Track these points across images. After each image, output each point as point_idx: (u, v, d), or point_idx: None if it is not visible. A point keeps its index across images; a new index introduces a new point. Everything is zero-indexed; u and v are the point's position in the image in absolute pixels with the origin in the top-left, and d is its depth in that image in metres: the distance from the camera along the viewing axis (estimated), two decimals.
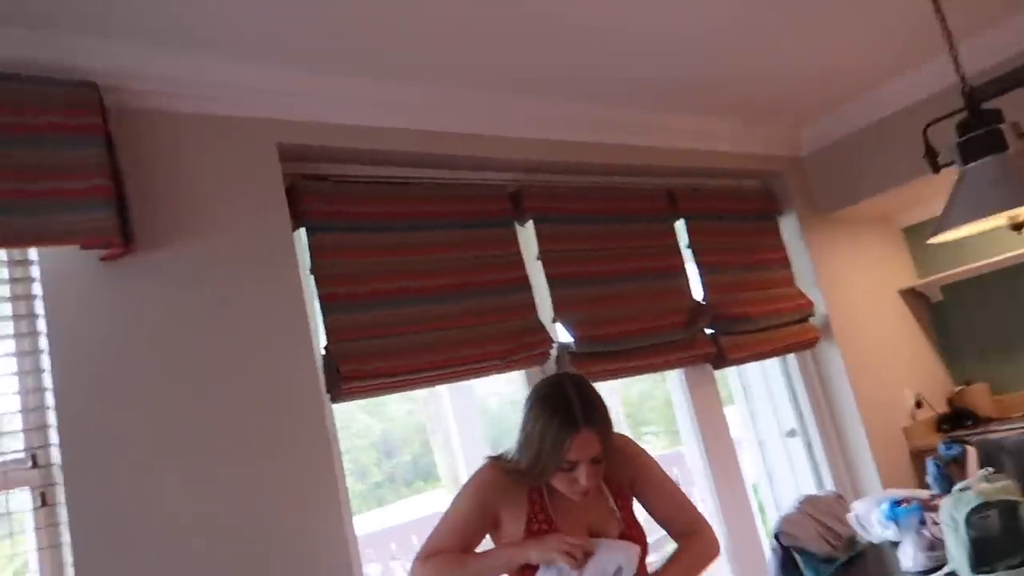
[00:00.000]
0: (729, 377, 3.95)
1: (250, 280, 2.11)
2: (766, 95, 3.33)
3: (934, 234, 2.28)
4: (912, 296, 4.31)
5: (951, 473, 3.04)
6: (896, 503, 2.45)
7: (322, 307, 2.28)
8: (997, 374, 4.12)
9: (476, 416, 5.57)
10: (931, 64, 3.34)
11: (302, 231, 2.34)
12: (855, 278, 4.00)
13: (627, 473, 1.79)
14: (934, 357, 4.28)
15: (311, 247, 2.33)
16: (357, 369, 2.22)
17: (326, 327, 2.27)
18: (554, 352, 2.77)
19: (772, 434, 3.90)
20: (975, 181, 2.19)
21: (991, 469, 2.01)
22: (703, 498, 3.25)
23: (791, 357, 3.76)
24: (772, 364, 3.81)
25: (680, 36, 2.61)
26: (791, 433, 3.83)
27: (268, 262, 2.16)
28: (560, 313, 2.82)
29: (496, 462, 1.72)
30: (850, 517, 2.68)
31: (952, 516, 1.97)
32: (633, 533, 1.73)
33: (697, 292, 3.34)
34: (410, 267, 2.49)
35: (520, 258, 2.80)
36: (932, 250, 4.29)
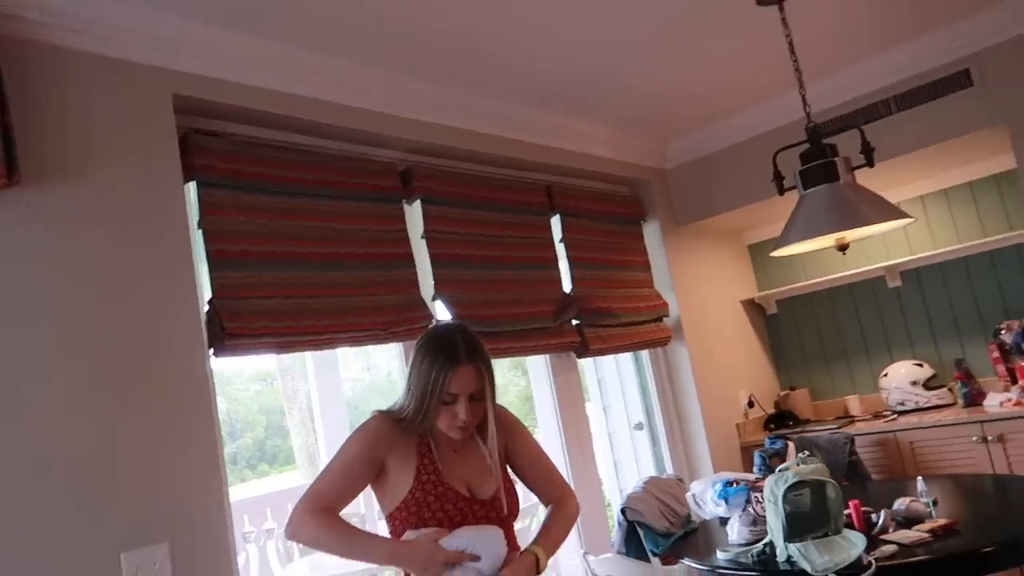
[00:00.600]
0: (585, 372, 4.23)
1: (136, 226, 2.09)
2: (640, 106, 3.60)
3: (775, 248, 2.60)
4: (751, 306, 4.78)
5: (773, 465, 3.44)
6: (727, 484, 2.76)
7: (209, 262, 2.29)
8: (817, 382, 4.65)
9: (339, 397, 5.58)
10: (784, 98, 3.75)
11: (192, 184, 2.33)
12: (705, 285, 4.39)
13: (503, 440, 1.90)
14: (766, 363, 4.76)
15: (201, 201, 2.33)
16: (242, 326, 2.24)
17: (212, 282, 2.27)
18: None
19: (622, 427, 4.20)
20: (811, 205, 2.52)
21: (807, 452, 2.32)
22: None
23: (644, 354, 4.08)
24: (624, 361, 4.12)
25: (572, 39, 2.79)
26: (638, 426, 4.16)
27: (156, 211, 2.14)
28: (440, 292, 2.94)
29: (384, 414, 1.81)
30: (688, 496, 2.99)
31: (772, 492, 2.27)
32: (509, 491, 1.86)
33: (566, 284, 3.57)
34: (300, 232, 2.53)
35: (406, 235, 2.90)
36: (772, 266, 4.79)
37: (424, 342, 1.80)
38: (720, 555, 2.27)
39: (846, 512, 2.25)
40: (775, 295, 4.72)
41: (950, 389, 3.94)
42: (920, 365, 4.07)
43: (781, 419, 4.42)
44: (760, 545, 2.24)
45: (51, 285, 1.90)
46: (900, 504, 2.30)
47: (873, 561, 1.95)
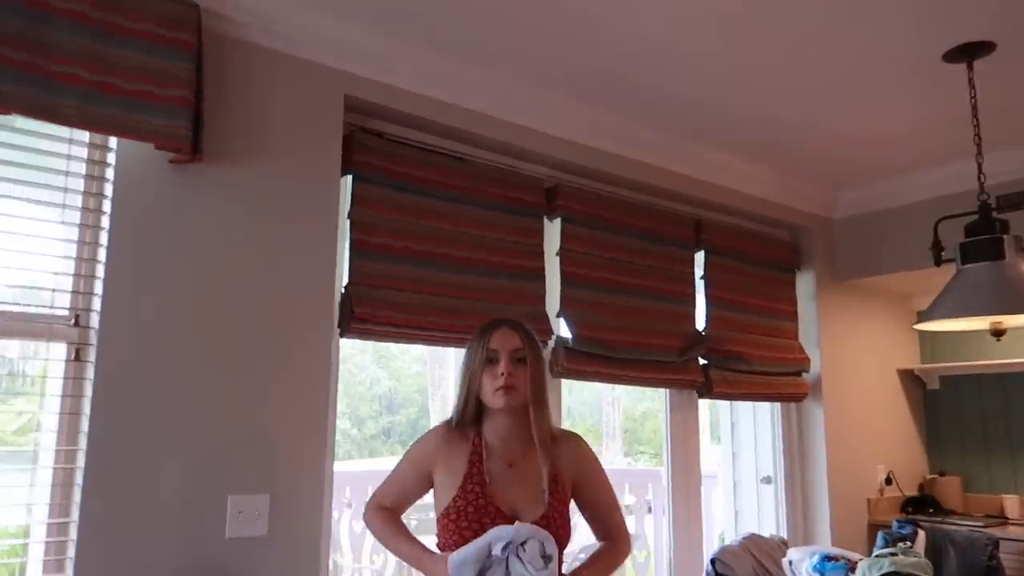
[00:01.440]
0: (721, 416, 4.11)
1: (294, 210, 2.33)
2: (809, 150, 3.45)
3: (920, 321, 2.43)
4: (910, 378, 4.42)
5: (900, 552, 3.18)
6: (827, 558, 2.60)
7: (351, 251, 2.50)
8: (972, 472, 4.22)
9: None
10: (965, 163, 3.44)
11: (349, 178, 2.55)
12: (857, 347, 4.12)
13: (572, 465, 1.89)
14: (917, 441, 4.39)
15: (354, 194, 2.54)
16: (370, 313, 2.43)
17: (351, 269, 2.48)
18: (551, 343, 2.96)
19: (749, 477, 4.04)
20: (968, 282, 2.33)
21: (909, 544, 2.15)
22: (663, 511, 3.42)
23: (778, 406, 3.90)
24: (763, 411, 3.95)
25: (735, 70, 2.72)
26: (767, 480, 3.97)
27: (313, 199, 2.37)
28: (565, 309, 3.00)
29: (443, 422, 1.87)
30: (784, 561, 2.84)
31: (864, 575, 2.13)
32: (557, 521, 1.76)
33: (700, 323, 3.50)
34: (439, 234, 2.69)
35: (541, 250, 2.98)
36: (940, 339, 4.40)
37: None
38: None
39: None
40: (939, 370, 4.34)
41: None
42: None
43: (922, 504, 4.06)
44: None
45: (213, 249, 2.16)
46: None
47: None
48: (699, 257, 3.58)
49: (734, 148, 3.46)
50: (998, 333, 2.36)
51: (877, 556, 2.13)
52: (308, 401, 2.27)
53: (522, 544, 1.62)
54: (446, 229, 2.71)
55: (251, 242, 2.24)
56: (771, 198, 3.79)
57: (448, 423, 1.86)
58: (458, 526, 1.72)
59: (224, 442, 2.10)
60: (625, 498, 5.77)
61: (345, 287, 2.47)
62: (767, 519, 3.91)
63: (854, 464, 3.94)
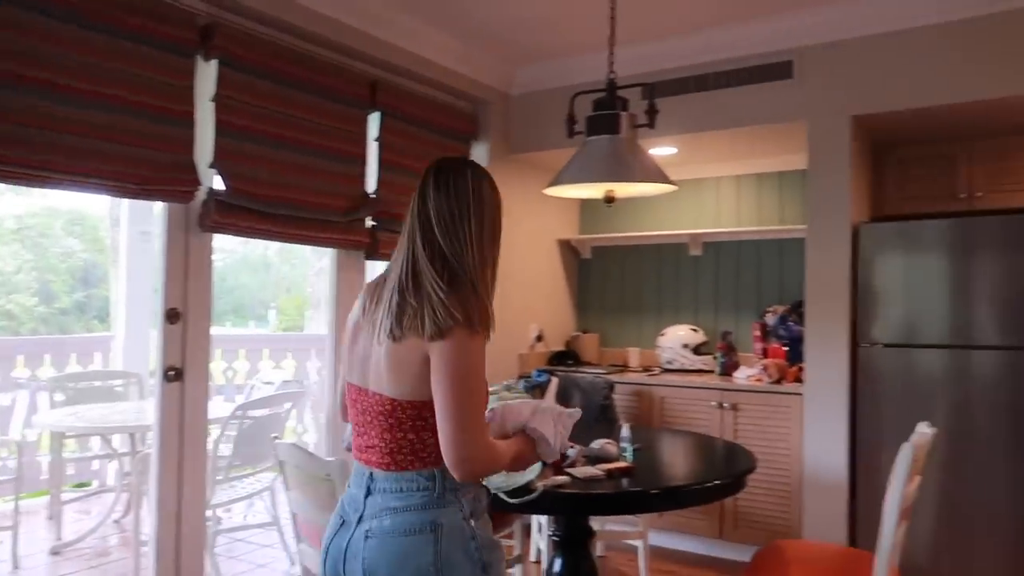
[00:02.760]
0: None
1: None
2: (492, 24, 3.54)
3: (548, 186, 2.66)
4: (568, 248, 4.92)
5: (534, 396, 3.60)
6: None
7: None
8: (608, 330, 4.89)
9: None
10: (629, 47, 3.77)
11: None
12: (524, 218, 4.46)
13: None
14: (568, 304, 4.94)
15: None
16: None
17: None
18: (201, 195, 2.78)
19: None
20: (589, 152, 2.58)
21: (517, 382, 2.44)
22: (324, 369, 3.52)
23: None
24: None
25: None
26: None
27: None
28: (220, 161, 2.82)
29: None
30: None
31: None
32: None
33: (372, 184, 3.52)
34: (67, 62, 2.33)
35: (191, 93, 2.74)
36: (597, 213, 4.93)
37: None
38: None
39: None
40: (592, 241, 4.88)
41: (715, 357, 4.24)
42: (696, 330, 4.35)
43: (565, 357, 4.63)
44: None
45: None
46: (596, 444, 2.47)
47: (540, 487, 2.09)
48: (374, 118, 3.55)
49: (419, 13, 3.41)
50: (609, 200, 2.66)
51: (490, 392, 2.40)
52: None
53: None
54: (69, 55, 2.36)
55: None
56: (454, 68, 3.85)
57: None
58: None
59: None
60: (286, 363, 5.87)
61: None
62: None
63: (511, 324, 4.34)
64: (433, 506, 1.44)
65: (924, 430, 2.26)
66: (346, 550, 1.49)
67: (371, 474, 1.49)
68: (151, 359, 4.96)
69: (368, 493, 1.49)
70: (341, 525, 1.54)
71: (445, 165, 1.55)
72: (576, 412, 1.77)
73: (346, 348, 1.59)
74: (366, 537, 1.46)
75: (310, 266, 10.84)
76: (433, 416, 1.41)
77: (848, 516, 3.40)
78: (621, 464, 2.36)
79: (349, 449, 1.65)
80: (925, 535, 3.29)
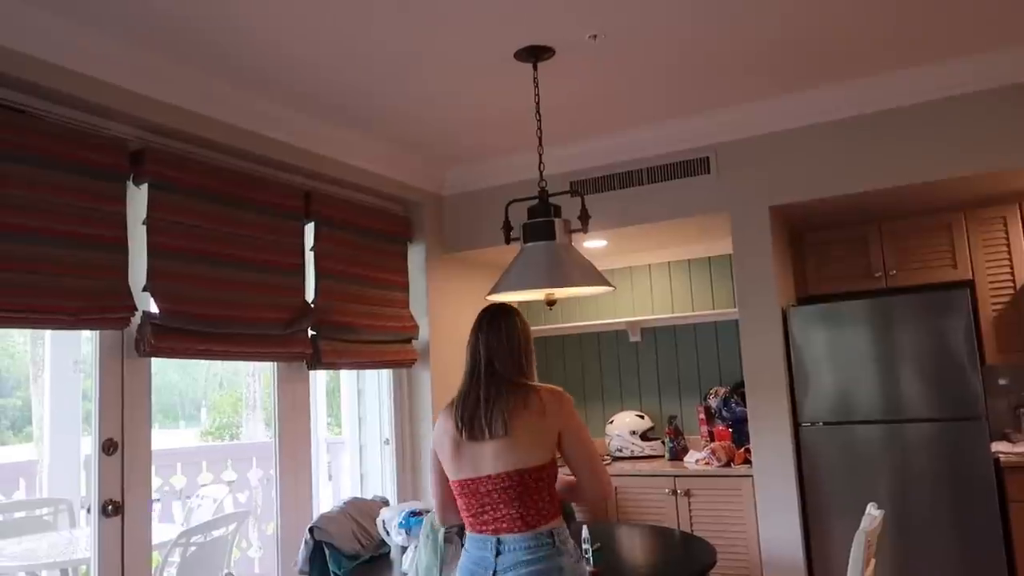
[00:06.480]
0: (349, 383, 4.19)
1: None
2: (420, 130, 3.63)
3: (490, 292, 2.70)
4: None
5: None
6: (412, 513, 2.80)
7: None
8: None
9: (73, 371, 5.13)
10: (552, 149, 3.93)
11: None
12: (461, 313, 4.48)
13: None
14: None
15: None
16: None
17: None
18: (136, 320, 2.72)
19: (374, 440, 4.19)
20: (528, 259, 2.64)
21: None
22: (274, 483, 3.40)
23: (392, 372, 4.09)
24: (385, 377, 4.11)
25: (348, 46, 2.75)
26: (387, 441, 4.17)
27: None
28: (155, 283, 2.78)
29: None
30: (378, 521, 3.00)
31: (432, 526, 2.35)
32: None
33: (310, 294, 3.50)
34: None
35: (122, 219, 2.71)
36: (537, 305, 4.99)
37: None
38: None
39: None
40: (533, 333, 4.90)
41: (663, 442, 4.28)
42: (642, 416, 4.40)
43: None
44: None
45: None
46: None
47: None
48: (310, 228, 3.57)
49: (346, 124, 3.49)
50: (550, 303, 2.73)
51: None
52: None
53: None
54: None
55: None
56: (385, 173, 3.92)
57: None
58: None
59: None
60: (226, 474, 5.67)
61: None
62: (388, 479, 4.11)
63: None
64: (556, 555, 1.90)
65: (873, 512, 2.32)
66: None
67: (498, 539, 1.93)
68: (82, 484, 4.71)
69: (498, 553, 1.92)
70: None
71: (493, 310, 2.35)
72: None
73: (448, 457, 2.02)
74: None
75: (246, 365, 10.57)
76: (552, 474, 1.96)
77: None
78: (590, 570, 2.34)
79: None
80: None
